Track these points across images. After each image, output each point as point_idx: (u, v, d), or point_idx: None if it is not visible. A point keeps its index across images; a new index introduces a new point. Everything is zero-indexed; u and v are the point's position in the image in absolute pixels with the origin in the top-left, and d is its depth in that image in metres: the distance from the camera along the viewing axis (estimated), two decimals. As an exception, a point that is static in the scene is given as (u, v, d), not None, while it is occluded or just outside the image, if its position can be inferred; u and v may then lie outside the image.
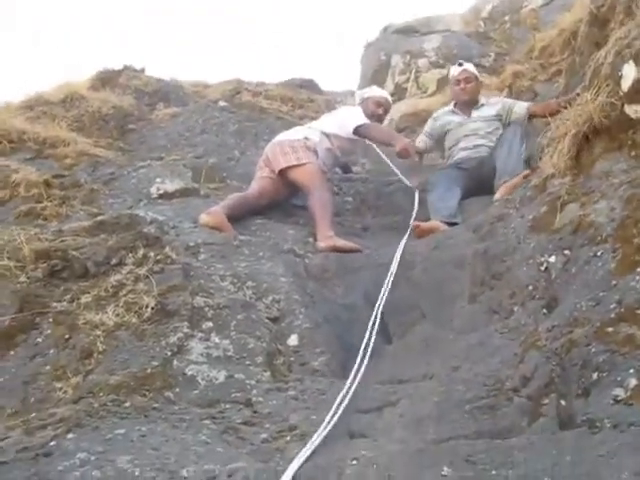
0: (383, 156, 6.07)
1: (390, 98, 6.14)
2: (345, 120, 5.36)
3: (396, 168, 5.81)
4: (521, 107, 5.51)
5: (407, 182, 5.44)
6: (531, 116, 5.48)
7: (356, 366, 2.89)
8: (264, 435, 2.41)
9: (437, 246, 4.07)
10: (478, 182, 5.08)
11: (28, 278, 3.54)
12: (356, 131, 5.25)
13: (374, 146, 6.14)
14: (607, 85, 3.53)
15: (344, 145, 5.41)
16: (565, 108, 3.87)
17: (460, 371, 2.75)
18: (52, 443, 2.25)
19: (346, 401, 2.53)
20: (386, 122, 8.48)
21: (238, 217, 4.59)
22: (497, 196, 4.60)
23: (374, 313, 3.45)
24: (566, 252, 3.08)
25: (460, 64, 5.79)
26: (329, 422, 2.35)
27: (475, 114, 5.56)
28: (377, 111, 5.64)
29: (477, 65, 9.34)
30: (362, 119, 5.31)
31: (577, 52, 5.32)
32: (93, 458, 2.14)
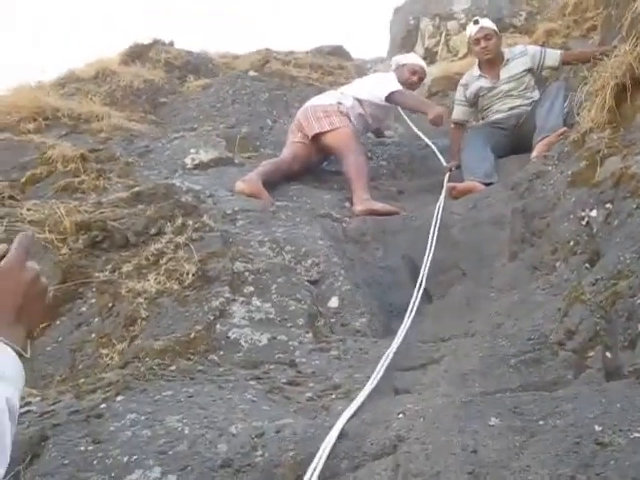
0: (415, 129, 5.98)
1: (426, 67, 6.05)
2: (378, 86, 5.32)
3: (430, 140, 5.71)
4: (553, 56, 5.35)
5: (442, 159, 5.33)
6: (564, 64, 5.35)
7: (403, 324, 2.90)
8: (309, 394, 2.43)
9: (475, 206, 4.04)
10: (518, 140, 5.00)
11: (70, 250, 3.59)
12: (389, 97, 5.20)
13: (407, 120, 6.09)
14: (646, 35, 3.45)
15: (376, 111, 5.38)
16: (601, 59, 3.79)
17: (503, 327, 2.74)
18: (102, 405, 2.29)
19: (390, 356, 2.54)
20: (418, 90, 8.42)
21: (273, 183, 4.61)
22: (534, 154, 4.54)
23: (421, 272, 3.44)
24: (607, 205, 3.03)
25: (476, 22, 5.53)
26: (375, 377, 2.36)
27: (503, 74, 5.35)
28: (412, 78, 5.58)
29: (508, 25, 9.24)
30: (395, 85, 5.26)
31: (613, 5, 5.20)
32: (143, 418, 2.17)
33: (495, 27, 5.53)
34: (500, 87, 5.34)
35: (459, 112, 5.63)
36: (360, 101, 5.27)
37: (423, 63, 5.96)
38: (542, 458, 1.68)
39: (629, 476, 1.54)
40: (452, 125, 5.69)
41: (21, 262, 1.30)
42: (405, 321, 2.92)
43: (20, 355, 1.26)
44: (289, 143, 5.13)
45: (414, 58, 5.98)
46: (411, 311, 3.05)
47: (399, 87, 5.27)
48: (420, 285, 3.33)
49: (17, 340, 1.26)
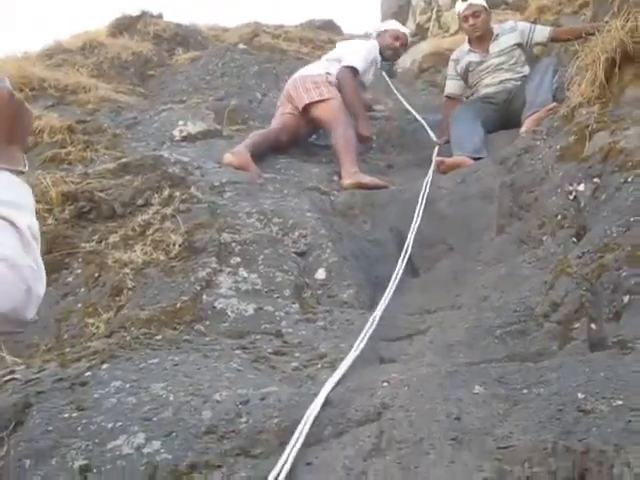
0: (406, 104, 5.94)
1: (408, 32, 6.02)
2: (348, 54, 5.25)
3: (420, 115, 5.67)
4: (542, 32, 5.34)
5: (432, 134, 5.29)
6: (553, 40, 5.35)
7: (385, 294, 2.90)
8: (295, 363, 2.43)
9: (463, 180, 4.03)
10: (507, 116, 5.00)
11: (56, 220, 3.57)
12: (340, 69, 5.13)
13: (397, 95, 6.06)
14: (638, 11, 3.45)
15: (359, 78, 5.35)
16: (592, 34, 3.77)
17: (489, 300, 2.75)
18: (87, 374, 2.28)
19: (374, 326, 2.54)
20: (408, 63, 8.37)
21: (261, 154, 4.59)
22: (523, 129, 4.53)
23: (406, 245, 3.43)
24: (595, 180, 3.04)
25: None
26: (359, 345, 2.37)
27: (493, 48, 5.34)
28: (394, 44, 5.56)
29: (501, 2, 9.18)
30: (357, 62, 5.17)
31: (605, -19, 5.17)
32: (128, 386, 2.17)
33: (484, 3, 5.50)
34: (490, 61, 5.34)
35: (452, 86, 5.61)
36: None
37: (404, 29, 5.92)
38: (525, 425, 1.69)
39: (611, 442, 1.55)
40: (445, 99, 5.67)
41: (8, 91, 1.32)
42: (388, 290, 2.93)
43: (21, 172, 1.30)
44: (278, 114, 5.10)
45: (395, 24, 5.96)
46: (395, 279, 3.06)
47: (359, 66, 5.15)
48: (404, 257, 3.32)
49: (16, 160, 1.32)
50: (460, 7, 5.51)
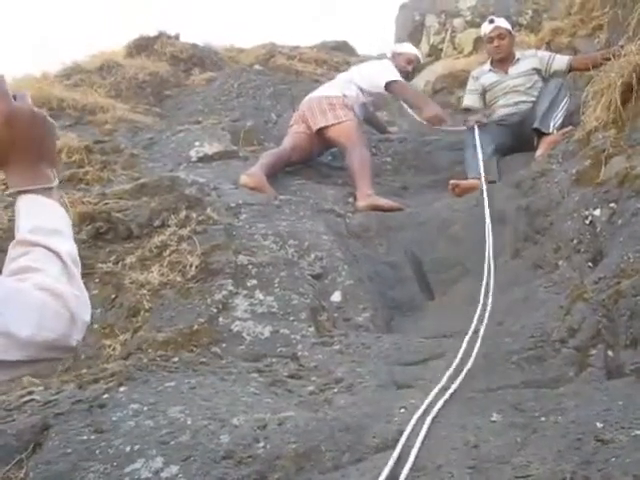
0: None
1: (420, 56, 6.09)
2: (378, 75, 5.33)
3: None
4: (561, 61, 5.39)
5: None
6: (572, 69, 5.38)
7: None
8: (311, 387, 2.44)
9: (478, 203, 4.03)
10: (519, 139, 5.02)
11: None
12: (388, 86, 5.24)
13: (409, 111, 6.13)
14: (654, 35, 3.46)
15: (376, 99, 5.45)
16: (609, 60, 3.78)
17: (505, 324, 2.75)
18: (105, 396, 2.30)
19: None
20: (422, 84, 8.41)
21: (275, 175, 4.63)
22: (539, 152, 4.55)
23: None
24: (612, 205, 3.04)
25: (491, 20, 5.61)
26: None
27: (512, 70, 5.42)
28: (407, 68, 5.63)
29: (515, 23, 9.22)
30: (395, 75, 5.28)
31: (619, 5, 5.19)
32: (145, 409, 2.18)
33: (510, 27, 5.62)
34: (507, 82, 5.41)
35: (471, 99, 5.63)
36: (362, 89, 5.30)
37: (418, 52, 6.01)
38: (543, 454, 1.69)
39: (630, 473, 1.55)
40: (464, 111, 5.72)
41: (29, 108, 1.36)
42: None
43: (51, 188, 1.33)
44: (292, 132, 5.14)
45: (409, 47, 6.04)
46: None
47: (399, 77, 5.30)
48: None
49: (46, 177, 1.34)
50: (486, 28, 5.62)
